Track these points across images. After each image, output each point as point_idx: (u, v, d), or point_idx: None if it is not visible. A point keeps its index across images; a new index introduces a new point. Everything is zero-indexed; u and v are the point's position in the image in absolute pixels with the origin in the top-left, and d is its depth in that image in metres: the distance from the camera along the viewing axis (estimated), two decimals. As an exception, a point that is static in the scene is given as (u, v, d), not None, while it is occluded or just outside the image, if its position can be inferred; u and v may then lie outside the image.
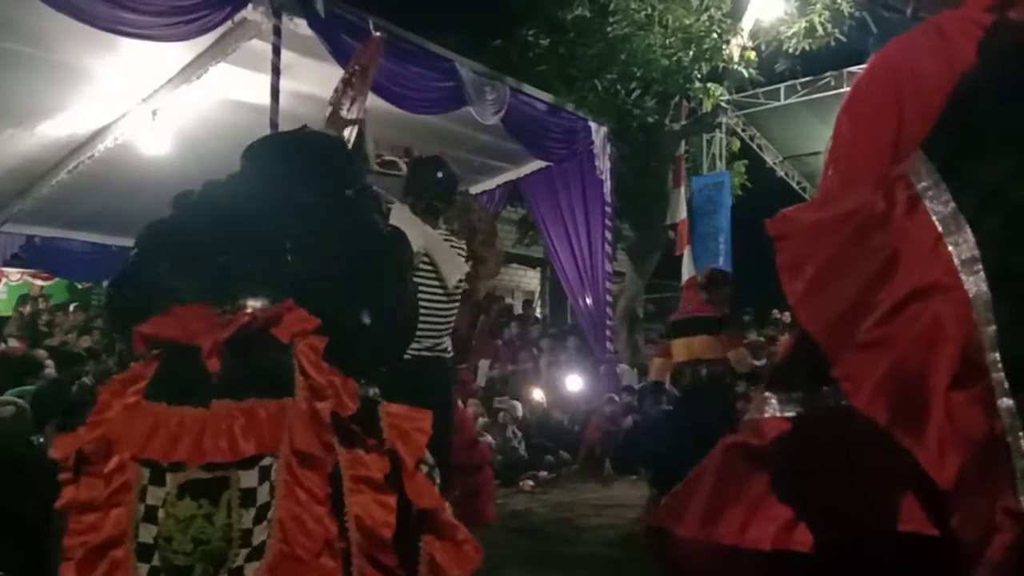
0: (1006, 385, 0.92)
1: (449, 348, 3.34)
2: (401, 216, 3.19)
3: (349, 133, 3.29)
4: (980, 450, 0.93)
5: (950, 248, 0.99)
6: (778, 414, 1.19)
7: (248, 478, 1.47)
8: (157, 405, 1.53)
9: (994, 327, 0.94)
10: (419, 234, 3.17)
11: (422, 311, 3.11)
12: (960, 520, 0.94)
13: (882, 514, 1.03)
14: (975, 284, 0.96)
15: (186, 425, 1.47)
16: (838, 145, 1.22)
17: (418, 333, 3.06)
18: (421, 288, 3.15)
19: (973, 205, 1.00)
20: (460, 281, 3.33)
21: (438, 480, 1.78)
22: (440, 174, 3.43)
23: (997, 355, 0.93)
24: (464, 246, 3.46)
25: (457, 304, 3.38)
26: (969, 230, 0.99)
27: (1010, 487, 0.91)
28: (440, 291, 3.24)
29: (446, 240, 3.36)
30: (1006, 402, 0.92)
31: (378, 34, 4.74)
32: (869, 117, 1.19)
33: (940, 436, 0.93)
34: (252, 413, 1.48)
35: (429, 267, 3.21)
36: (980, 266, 0.97)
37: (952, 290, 0.97)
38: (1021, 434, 0.91)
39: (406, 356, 3.01)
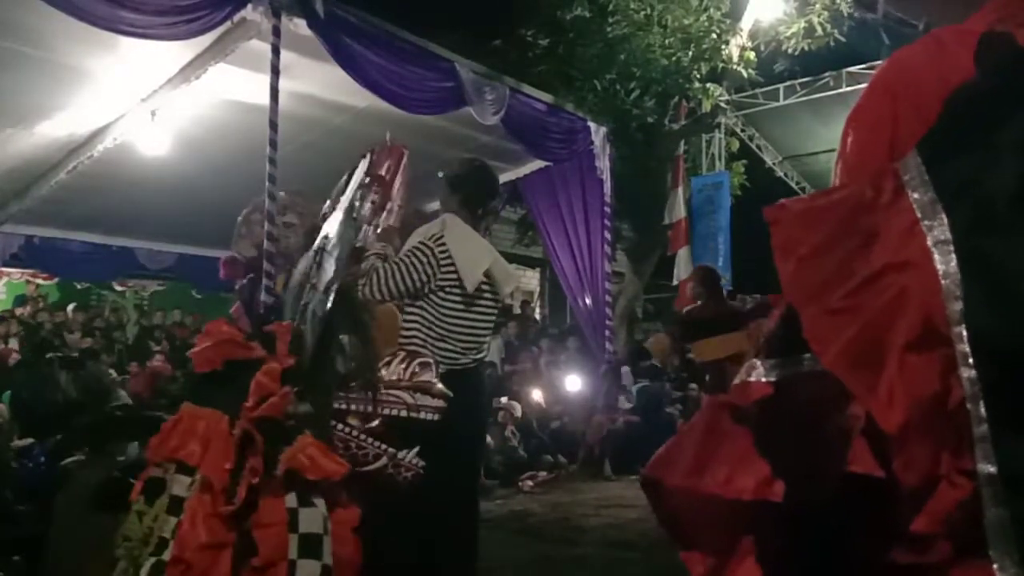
0: (970, 358, 1.01)
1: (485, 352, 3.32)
2: (462, 233, 3.11)
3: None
4: (928, 408, 1.03)
5: (924, 231, 1.09)
6: (763, 378, 1.31)
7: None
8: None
9: (961, 303, 1.03)
10: (484, 251, 3.13)
11: (478, 324, 3.11)
12: (900, 464, 1.04)
13: (841, 461, 1.14)
14: (945, 263, 1.06)
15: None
16: (841, 153, 1.34)
17: (470, 346, 3.10)
18: (480, 303, 3.12)
19: (950, 195, 1.10)
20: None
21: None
22: (490, 175, 3.37)
23: (962, 328, 1.02)
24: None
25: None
26: (944, 216, 1.08)
27: (968, 449, 1.00)
28: (493, 304, 3.21)
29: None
30: (968, 372, 1.01)
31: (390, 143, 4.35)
32: (867, 127, 1.30)
33: (890, 387, 1.04)
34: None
35: (487, 282, 3.13)
36: (952, 248, 1.06)
37: (922, 267, 1.07)
38: (981, 401, 0.99)
39: (456, 367, 3.01)
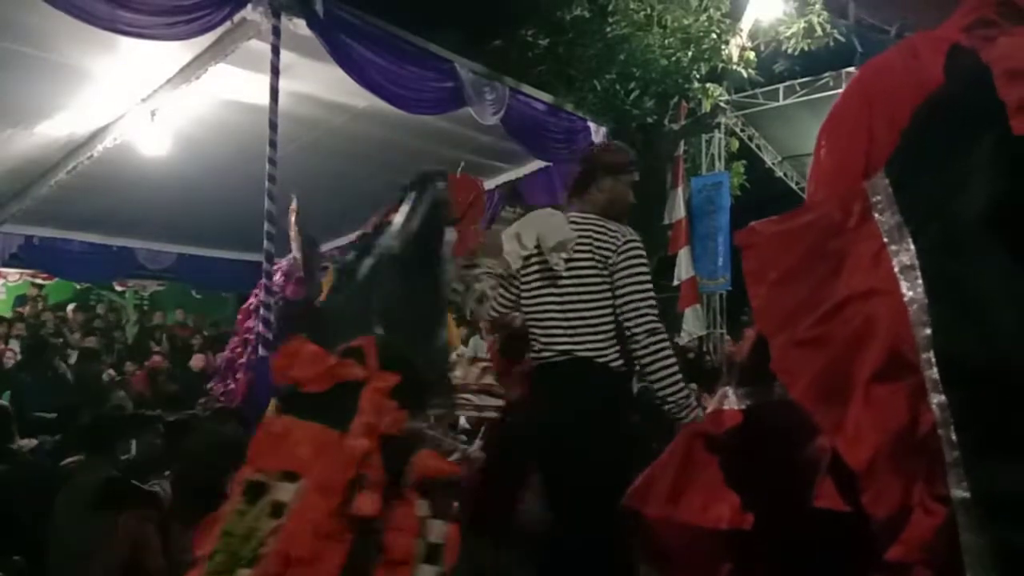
0: (939, 384, 1.00)
1: (599, 349, 2.71)
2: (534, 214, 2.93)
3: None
4: (897, 438, 1.02)
5: (891, 256, 1.08)
6: (735, 406, 1.31)
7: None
8: None
9: (929, 329, 1.02)
10: (527, 221, 2.86)
11: (549, 310, 2.72)
12: (870, 498, 1.02)
13: (808, 494, 1.13)
14: (912, 289, 1.05)
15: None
16: (815, 163, 1.32)
17: (547, 336, 2.71)
18: (542, 282, 2.76)
19: (917, 216, 1.08)
20: (583, 259, 2.82)
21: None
22: (585, 156, 3.23)
23: (931, 355, 1.01)
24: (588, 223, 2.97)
25: (596, 294, 2.76)
26: (911, 240, 1.07)
27: (941, 475, 0.99)
28: (556, 281, 2.73)
29: (571, 222, 2.88)
30: (938, 398, 1.00)
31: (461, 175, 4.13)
32: (843, 137, 1.29)
33: (857, 422, 1.03)
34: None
35: (539, 255, 2.74)
36: (919, 273, 1.05)
37: (889, 294, 1.06)
38: (952, 427, 0.98)
39: (540, 360, 2.71)
